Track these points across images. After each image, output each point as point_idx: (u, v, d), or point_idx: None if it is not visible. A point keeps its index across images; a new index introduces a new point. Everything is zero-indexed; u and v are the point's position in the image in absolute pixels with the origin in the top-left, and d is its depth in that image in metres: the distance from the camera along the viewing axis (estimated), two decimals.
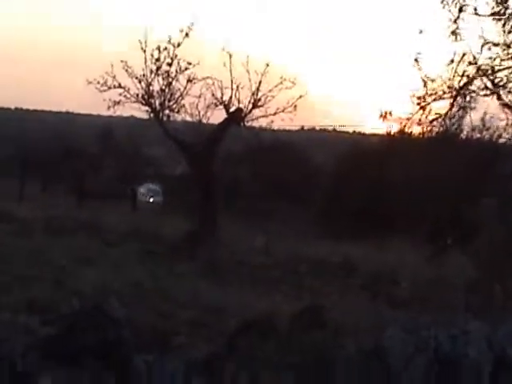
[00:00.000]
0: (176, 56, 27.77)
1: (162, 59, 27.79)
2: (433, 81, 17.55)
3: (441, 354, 8.88)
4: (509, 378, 8.92)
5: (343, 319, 12.90)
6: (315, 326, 9.73)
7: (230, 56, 27.75)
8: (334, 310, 12.55)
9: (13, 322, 9.63)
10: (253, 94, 28.34)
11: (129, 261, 20.83)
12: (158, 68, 28.08)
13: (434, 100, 18.17)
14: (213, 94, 28.28)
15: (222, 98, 28.25)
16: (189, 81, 28.35)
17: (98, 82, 28.16)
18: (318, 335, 9.27)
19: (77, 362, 7.41)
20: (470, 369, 8.80)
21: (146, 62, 27.91)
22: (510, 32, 17.01)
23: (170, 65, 27.91)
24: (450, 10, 17.01)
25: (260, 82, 28.30)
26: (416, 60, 17.62)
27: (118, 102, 28.51)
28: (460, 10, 17.02)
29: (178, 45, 27.50)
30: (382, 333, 9.24)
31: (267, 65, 28.41)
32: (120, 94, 28.37)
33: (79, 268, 17.83)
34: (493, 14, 17.17)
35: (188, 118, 29.39)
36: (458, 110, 18.92)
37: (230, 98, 28.27)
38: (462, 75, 17.40)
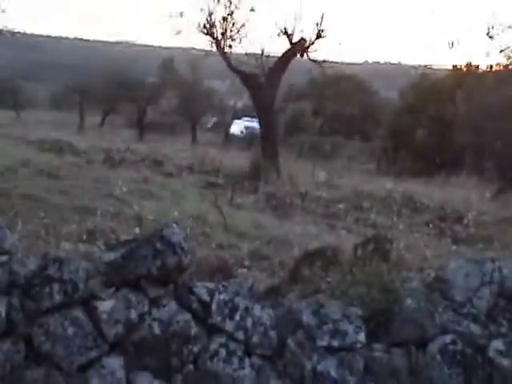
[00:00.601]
0: None
1: None
2: None
3: (506, 288, 8.82)
4: None
5: (407, 253, 12.87)
6: (379, 258, 9.68)
7: None
8: (398, 244, 12.49)
9: (75, 250, 9.73)
10: (317, 25, 28.01)
11: (190, 193, 20.89)
12: None
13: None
14: (276, 24, 27.99)
15: (285, 28, 27.93)
16: (251, 10, 28.12)
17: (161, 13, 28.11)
18: (381, 267, 9.22)
19: (137, 287, 7.49)
20: None
21: None
22: None
23: None
24: None
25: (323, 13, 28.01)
26: None
27: (181, 31, 28.38)
28: None
29: None
30: (446, 267, 9.19)
31: None
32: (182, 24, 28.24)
33: (140, 200, 17.90)
34: None
35: (250, 50, 29.15)
36: None
37: (294, 28, 28.00)
38: None
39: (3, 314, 7.12)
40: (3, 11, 31.85)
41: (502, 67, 29.21)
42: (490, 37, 17.78)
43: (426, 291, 8.70)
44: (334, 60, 30.84)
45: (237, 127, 45.72)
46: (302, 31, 27.88)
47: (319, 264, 9.42)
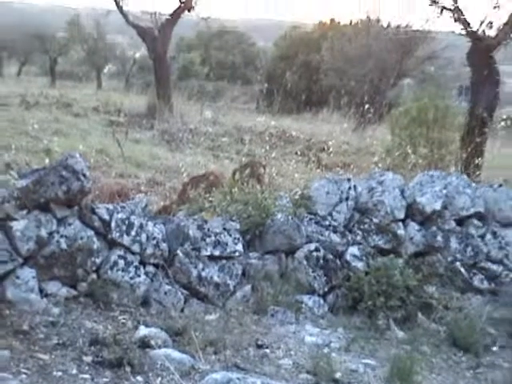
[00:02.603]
0: None
1: None
2: None
3: (360, 203, 8.98)
4: (419, 223, 9.04)
5: (279, 177, 12.99)
6: (254, 181, 9.74)
7: None
8: (270, 169, 12.60)
9: None
10: None
11: (95, 130, 20.73)
12: None
13: None
14: None
15: None
16: None
17: None
18: (256, 188, 9.28)
19: (46, 209, 7.41)
20: (385, 215, 8.91)
21: None
22: None
23: None
24: None
25: None
26: None
27: None
28: None
29: None
30: (310, 186, 9.30)
31: None
32: None
33: (51, 136, 17.66)
34: None
35: (146, 8, 29.04)
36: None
37: None
38: None
39: None
40: None
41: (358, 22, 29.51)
42: None
43: (294, 207, 8.81)
44: (217, 16, 30.87)
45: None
46: None
47: (203, 186, 9.45)
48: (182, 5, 28.14)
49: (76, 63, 46.93)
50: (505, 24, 17.51)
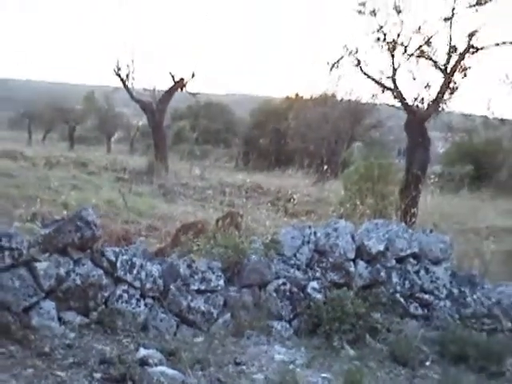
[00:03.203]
0: None
1: None
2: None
3: (318, 245, 9.03)
4: (367, 262, 9.10)
5: (253, 223, 13.05)
6: (233, 228, 9.80)
7: None
8: (247, 217, 12.66)
9: (21, 227, 9.59)
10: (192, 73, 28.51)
11: (105, 185, 20.76)
12: None
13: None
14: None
15: (170, 72, 28.22)
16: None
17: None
18: (234, 234, 9.34)
19: (64, 252, 7.46)
20: (339, 256, 8.98)
21: None
22: None
23: None
24: None
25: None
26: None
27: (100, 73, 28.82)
28: None
29: None
30: (279, 232, 9.37)
31: None
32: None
33: (69, 191, 17.71)
34: None
35: (146, 86, 29.32)
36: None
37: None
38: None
39: None
40: None
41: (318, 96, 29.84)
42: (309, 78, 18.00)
43: (265, 249, 8.85)
44: (205, 92, 31.30)
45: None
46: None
47: (192, 233, 9.49)
48: (176, 83, 28.43)
49: (90, 130, 47.10)
50: (433, 100, 17.81)
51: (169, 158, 28.07)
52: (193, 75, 28.12)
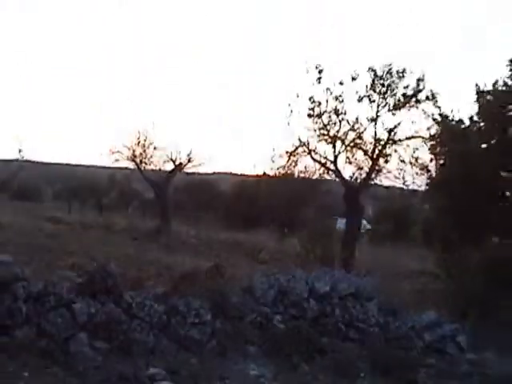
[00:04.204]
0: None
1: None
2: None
3: (281, 288, 9.05)
4: (316, 299, 9.10)
5: (235, 270, 12.99)
6: (219, 275, 9.75)
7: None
8: (229, 265, 12.63)
9: (63, 275, 9.51)
10: (188, 155, 28.57)
11: (124, 242, 20.58)
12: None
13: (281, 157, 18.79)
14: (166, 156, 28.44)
15: (171, 158, 28.45)
16: (155, 148, 28.51)
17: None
18: (220, 280, 9.33)
19: (94, 296, 7.44)
20: (296, 295, 9.00)
21: None
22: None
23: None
24: None
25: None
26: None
27: (118, 160, 28.67)
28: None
29: None
30: (253, 278, 9.36)
31: None
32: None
33: (98, 246, 17.55)
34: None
35: (155, 168, 29.34)
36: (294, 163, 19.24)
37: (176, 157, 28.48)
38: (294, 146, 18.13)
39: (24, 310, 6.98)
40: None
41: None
42: (273, 161, 18.26)
43: (242, 292, 8.84)
44: (199, 171, 31.46)
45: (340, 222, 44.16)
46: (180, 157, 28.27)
47: (188, 279, 9.44)
48: (176, 167, 28.64)
49: (113, 201, 46.68)
50: (364, 178, 18.12)
51: (172, 222, 27.93)
52: (189, 160, 28.38)
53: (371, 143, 17.85)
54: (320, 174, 19.48)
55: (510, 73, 15.62)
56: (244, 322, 8.41)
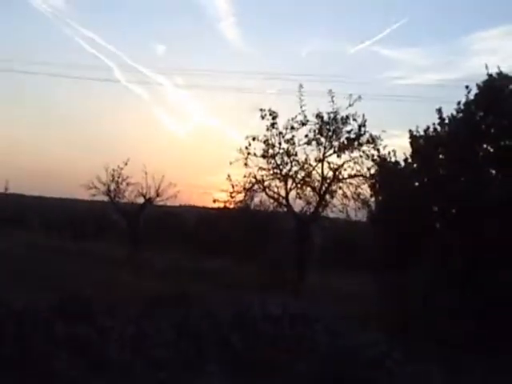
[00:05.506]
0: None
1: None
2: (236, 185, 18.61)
3: (239, 310, 9.13)
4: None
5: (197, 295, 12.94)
6: (183, 300, 9.78)
7: None
8: (193, 292, 12.59)
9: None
10: (157, 190, 28.68)
11: (97, 267, 20.17)
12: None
13: (239, 193, 19.03)
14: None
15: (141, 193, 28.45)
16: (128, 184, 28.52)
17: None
18: (184, 304, 9.36)
19: (69, 318, 7.40)
20: (253, 318, 9.12)
21: None
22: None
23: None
24: None
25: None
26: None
27: (94, 195, 28.54)
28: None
29: None
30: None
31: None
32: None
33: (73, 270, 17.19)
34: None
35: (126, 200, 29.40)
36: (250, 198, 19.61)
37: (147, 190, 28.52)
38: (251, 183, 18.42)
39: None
40: None
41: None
42: (232, 196, 18.56)
43: (205, 314, 8.85)
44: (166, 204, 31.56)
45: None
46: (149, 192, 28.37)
47: (156, 303, 9.41)
48: (146, 200, 28.80)
49: (91, 230, 45.32)
50: (312, 212, 18.56)
51: (143, 250, 27.82)
52: (157, 195, 28.78)
53: (319, 181, 18.48)
54: (273, 208, 19.95)
55: (438, 120, 16.38)
56: (206, 341, 8.47)
